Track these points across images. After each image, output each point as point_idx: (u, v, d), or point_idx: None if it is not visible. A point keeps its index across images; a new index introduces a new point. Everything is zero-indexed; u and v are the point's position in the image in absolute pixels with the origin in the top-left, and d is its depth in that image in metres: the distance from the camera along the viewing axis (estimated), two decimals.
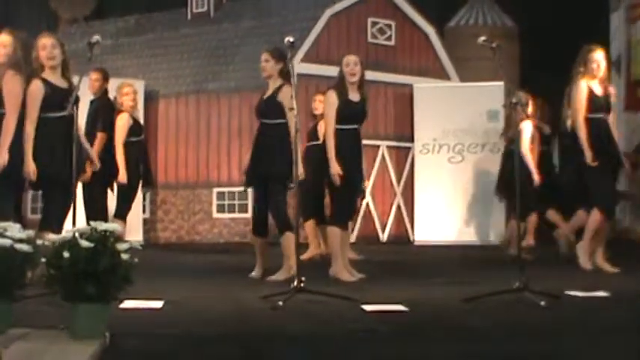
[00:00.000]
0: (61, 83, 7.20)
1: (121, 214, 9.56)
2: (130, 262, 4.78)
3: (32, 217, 12.01)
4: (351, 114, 7.82)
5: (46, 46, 7.20)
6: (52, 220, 7.06)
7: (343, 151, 7.71)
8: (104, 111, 9.45)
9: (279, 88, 7.77)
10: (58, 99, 6.99)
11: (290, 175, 7.14)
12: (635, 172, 11.14)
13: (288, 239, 7.59)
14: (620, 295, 6.47)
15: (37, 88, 7.15)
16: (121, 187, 9.50)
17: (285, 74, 7.65)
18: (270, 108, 7.78)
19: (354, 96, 7.86)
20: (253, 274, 7.84)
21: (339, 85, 7.87)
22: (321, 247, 9.75)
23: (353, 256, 8.94)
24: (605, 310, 6.03)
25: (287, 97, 7.45)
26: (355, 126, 7.89)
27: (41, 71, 7.21)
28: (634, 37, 12.40)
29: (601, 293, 6.51)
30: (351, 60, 7.90)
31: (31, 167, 7.04)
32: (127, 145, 9.52)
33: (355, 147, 7.91)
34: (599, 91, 8.25)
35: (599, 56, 8.25)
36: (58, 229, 6.59)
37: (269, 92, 7.89)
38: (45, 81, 7.17)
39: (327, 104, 7.89)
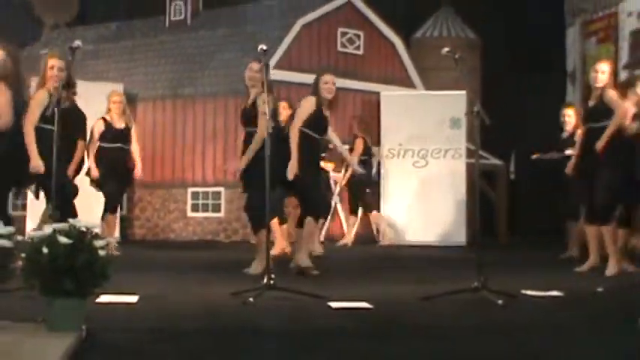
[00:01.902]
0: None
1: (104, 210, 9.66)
2: (107, 258, 4.76)
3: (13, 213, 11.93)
4: (321, 125, 7.96)
5: (54, 67, 7.57)
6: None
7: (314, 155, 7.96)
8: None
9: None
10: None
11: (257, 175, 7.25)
12: None
13: (259, 237, 7.72)
14: (573, 295, 6.55)
15: (43, 97, 7.51)
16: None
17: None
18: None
19: (325, 110, 7.97)
20: None
21: (318, 95, 7.93)
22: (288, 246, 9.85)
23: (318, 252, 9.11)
24: (558, 309, 6.08)
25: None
26: (320, 137, 8.03)
27: (44, 84, 7.57)
28: (588, 51, 12.51)
29: (555, 293, 6.57)
30: (330, 79, 7.99)
31: (37, 162, 7.29)
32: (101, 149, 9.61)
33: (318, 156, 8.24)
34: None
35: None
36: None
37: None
38: (50, 94, 7.48)
39: (303, 107, 7.93)
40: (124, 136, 9.93)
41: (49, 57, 7.73)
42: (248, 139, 7.82)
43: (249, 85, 7.95)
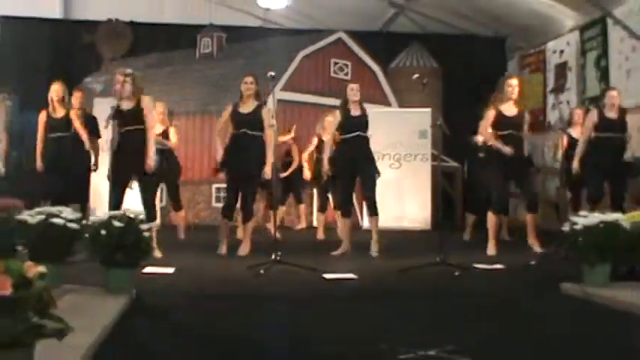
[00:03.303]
0: (127, 105, 6.78)
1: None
2: (150, 238, 4.84)
3: None
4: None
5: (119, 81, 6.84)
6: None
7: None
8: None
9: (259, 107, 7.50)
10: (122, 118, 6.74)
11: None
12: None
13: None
14: (511, 267, 6.56)
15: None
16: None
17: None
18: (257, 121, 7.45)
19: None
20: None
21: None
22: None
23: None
24: (500, 278, 6.11)
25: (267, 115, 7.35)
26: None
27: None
28: (524, 79, 12.62)
29: (498, 266, 6.58)
30: (350, 87, 7.77)
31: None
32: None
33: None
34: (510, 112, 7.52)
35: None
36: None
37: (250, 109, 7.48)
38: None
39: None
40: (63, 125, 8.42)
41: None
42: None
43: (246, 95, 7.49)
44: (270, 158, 7.31)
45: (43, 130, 8.31)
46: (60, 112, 8.31)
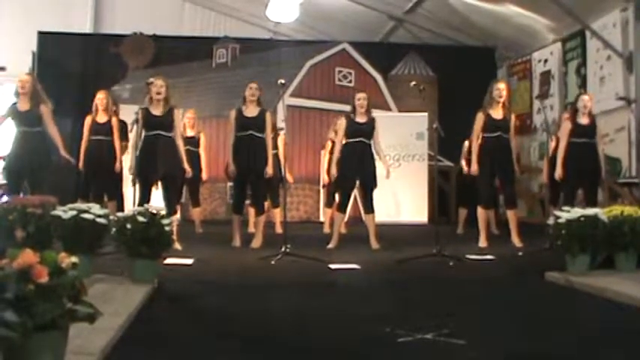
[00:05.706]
0: (158, 111, 6.85)
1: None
2: (171, 232, 4.86)
3: None
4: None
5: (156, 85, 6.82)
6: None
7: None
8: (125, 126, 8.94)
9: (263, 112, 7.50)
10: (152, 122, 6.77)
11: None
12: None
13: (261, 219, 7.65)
14: (500, 258, 6.55)
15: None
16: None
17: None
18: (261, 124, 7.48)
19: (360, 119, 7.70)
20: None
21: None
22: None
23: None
24: (490, 267, 6.12)
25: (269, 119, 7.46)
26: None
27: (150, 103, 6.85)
28: (512, 86, 12.59)
29: (489, 256, 6.58)
30: (361, 95, 7.73)
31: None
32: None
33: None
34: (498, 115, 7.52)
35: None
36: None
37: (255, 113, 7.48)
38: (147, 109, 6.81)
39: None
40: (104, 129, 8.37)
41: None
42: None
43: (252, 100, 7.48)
44: (270, 158, 7.38)
45: (87, 133, 8.34)
46: (103, 118, 8.34)
